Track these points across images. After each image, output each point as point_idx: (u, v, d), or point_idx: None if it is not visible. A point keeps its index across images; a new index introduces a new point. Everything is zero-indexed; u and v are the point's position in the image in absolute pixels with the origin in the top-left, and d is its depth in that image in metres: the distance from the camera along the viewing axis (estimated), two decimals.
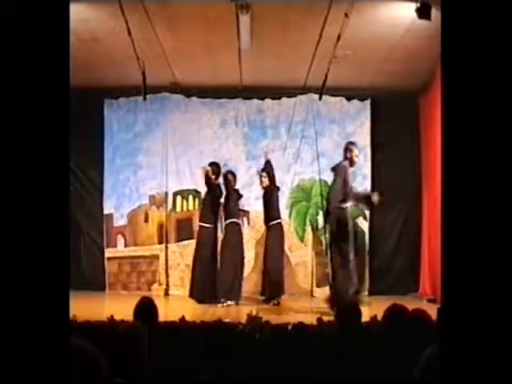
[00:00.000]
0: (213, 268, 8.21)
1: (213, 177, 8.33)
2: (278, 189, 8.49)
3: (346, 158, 7.13)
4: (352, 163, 7.15)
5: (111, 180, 9.53)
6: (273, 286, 8.15)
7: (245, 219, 9.05)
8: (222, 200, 8.41)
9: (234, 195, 8.40)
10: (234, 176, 8.45)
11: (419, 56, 7.53)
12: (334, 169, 7.22)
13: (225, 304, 7.80)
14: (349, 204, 7.02)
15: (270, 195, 8.38)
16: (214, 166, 8.41)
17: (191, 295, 8.22)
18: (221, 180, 8.50)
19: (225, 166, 8.66)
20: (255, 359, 4.41)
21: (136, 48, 6.96)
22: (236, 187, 8.48)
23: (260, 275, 8.44)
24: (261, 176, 8.45)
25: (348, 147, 7.18)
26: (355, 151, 7.17)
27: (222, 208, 8.42)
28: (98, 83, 8.93)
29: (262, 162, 8.66)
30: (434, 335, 3.20)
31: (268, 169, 8.43)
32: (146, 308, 4.02)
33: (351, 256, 6.81)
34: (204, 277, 8.15)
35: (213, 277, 8.16)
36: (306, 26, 6.79)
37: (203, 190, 8.66)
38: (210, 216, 8.32)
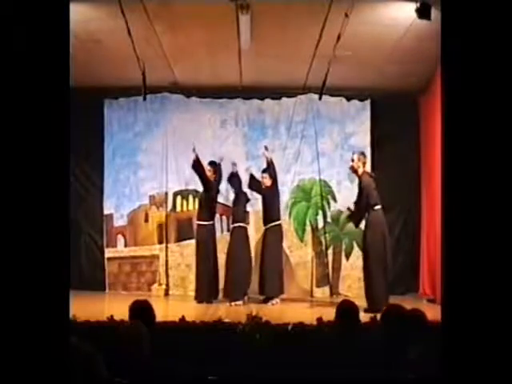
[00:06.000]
0: (214, 266, 8.32)
1: (212, 176, 8.51)
2: (278, 190, 8.53)
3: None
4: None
5: (111, 180, 9.53)
6: (271, 285, 8.16)
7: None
8: (230, 203, 8.67)
9: (243, 198, 8.48)
10: (240, 178, 8.52)
11: (419, 56, 7.52)
12: None
13: (233, 304, 7.88)
14: None
15: (272, 196, 8.40)
16: (214, 165, 8.53)
17: (197, 296, 8.31)
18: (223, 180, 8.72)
19: (233, 166, 8.70)
20: (255, 359, 4.41)
21: (136, 48, 6.96)
22: (244, 190, 8.58)
23: (258, 275, 8.44)
24: (262, 177, 8.48)
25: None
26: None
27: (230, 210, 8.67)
28: (98, 83, 8.92)
29: (263, 162, 8.67)
30: (431, 335, 3.21)
31: (270, 170, 8.46)
32: (140, 310, 3.99)
33: None
34: (208, 276, 8.25)
35: (215, 275, 8.29)
36: (306, 25, 6.79)
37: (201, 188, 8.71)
38: (207, 214, 8.43)
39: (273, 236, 8.34)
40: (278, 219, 8.42)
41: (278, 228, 8.41)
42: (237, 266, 8.19)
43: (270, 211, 8.38)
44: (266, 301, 8.10)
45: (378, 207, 7.49)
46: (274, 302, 8.03)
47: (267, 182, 8.40)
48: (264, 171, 8.49)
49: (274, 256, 8.29)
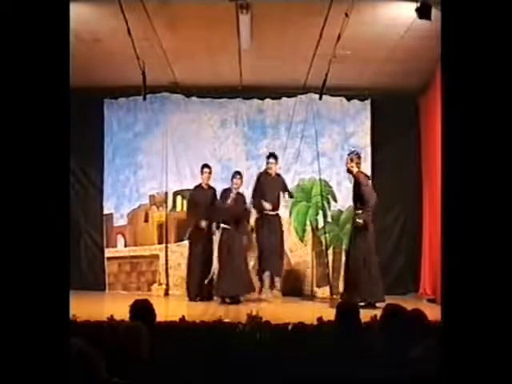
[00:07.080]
0: (207, 266, 8.32)
1: (208, 178, 8.60)
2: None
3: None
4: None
5: (111, 180, 9.53)
6: (270, 262, 8.23)
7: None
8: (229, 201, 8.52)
9: (241, 198, 8.45)
10: (241, 178, 8.47)
11: (419, 56, 7.53)
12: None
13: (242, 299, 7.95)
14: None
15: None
16: (207, 167, 8.60)
17: (188, 294, 8.39)
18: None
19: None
20: (255, 359, 4.41)
21: (136, 48, 6.96)
22: (241, 190, 8.52)
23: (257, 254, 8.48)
24: (268, 163, 8.49)
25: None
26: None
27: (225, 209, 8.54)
28: (98, 83, 8.93)
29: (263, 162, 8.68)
30: (430, 334, 3.21)
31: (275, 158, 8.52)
32: (141, 310, 3.99)
33: None
34: (196, 277, 8.30)
35: (207, 275, 8.32)
36: (306, 25, 6.79)
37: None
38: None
39: (271, 222, 8.36)
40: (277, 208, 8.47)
41: (277, 216, 8.45)
42: (229, 266, 8.15)
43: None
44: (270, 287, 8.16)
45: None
46: (275, 283, 8.12)
47: (273, 169, 8.44)
48: (269, 157, 8.51)
49: (274, 239, 8.31)
